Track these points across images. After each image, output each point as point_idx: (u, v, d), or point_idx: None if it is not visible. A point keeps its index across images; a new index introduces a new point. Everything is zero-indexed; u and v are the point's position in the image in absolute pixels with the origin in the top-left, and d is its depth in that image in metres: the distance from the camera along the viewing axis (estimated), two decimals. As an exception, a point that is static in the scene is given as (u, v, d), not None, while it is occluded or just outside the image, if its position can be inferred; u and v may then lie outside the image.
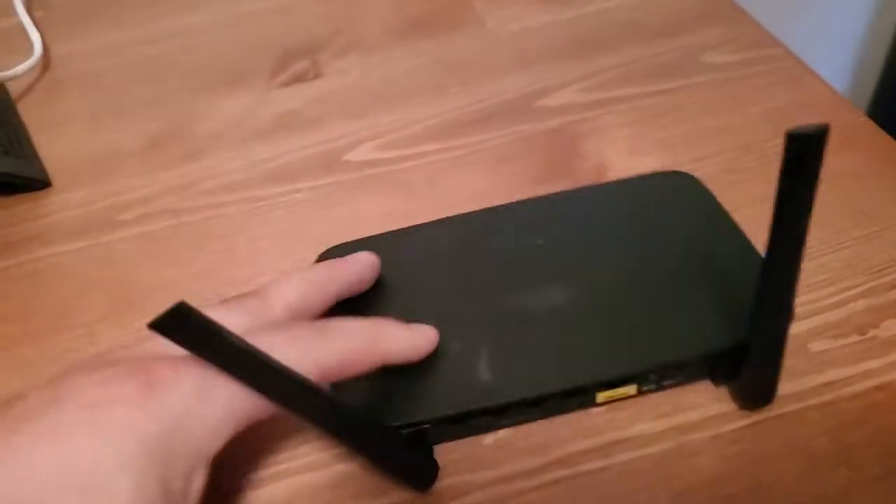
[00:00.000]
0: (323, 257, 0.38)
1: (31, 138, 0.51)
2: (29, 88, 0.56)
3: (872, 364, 0.34)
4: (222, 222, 0.44)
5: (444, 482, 0.32)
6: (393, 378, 0.32)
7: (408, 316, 0.32)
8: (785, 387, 0.33)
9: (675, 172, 0.41)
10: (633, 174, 0.41)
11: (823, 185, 0.41)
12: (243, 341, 0.25)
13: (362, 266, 0.35)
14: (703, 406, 0.33)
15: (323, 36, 0.59)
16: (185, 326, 0.24)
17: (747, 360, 0.31)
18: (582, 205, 0.39)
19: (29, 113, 0.53)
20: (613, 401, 0.33)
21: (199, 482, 0.25)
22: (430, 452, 0.32)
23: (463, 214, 0.40)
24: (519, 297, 0.35)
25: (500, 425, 0.33)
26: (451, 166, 0.46)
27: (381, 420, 0.31)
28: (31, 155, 0.49)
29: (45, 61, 0.59)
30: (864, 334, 0.35)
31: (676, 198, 0.39)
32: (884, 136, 0.44)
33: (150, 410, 0.24)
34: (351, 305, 0.35)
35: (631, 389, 0.33)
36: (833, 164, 0.42)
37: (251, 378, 0.25)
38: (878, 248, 0.38)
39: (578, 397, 0.33)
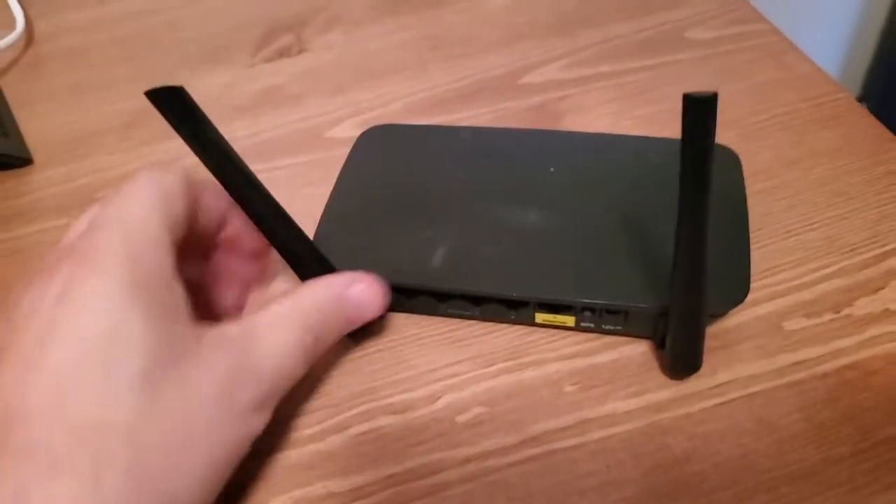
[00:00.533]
0: (366, 135, 0.42)
1: (13, 115, 0.51)
2: (11, 64, 0.56)
3: (845, 342, 0.34)
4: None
5: (419, 460, 0.32)
6: (362, 239, 0.37)
7: (408, 195, 0.38)
8: (757, 365, 0.34)
9: (720, 147, 0.41)
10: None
11: (802, 163, 0.42)
12: (220, 136, 0.28)
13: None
14: (673, 385, 0.33)
15: (307, 11, 0.58)
16: (176, 104, 0.27)
17: (668, 327, 0.32)
18: (612, 150, 0.41)
19: (10, 89, 0.53)
20: (552, 326, 0.36)
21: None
22: None
23: (508, 129, 0.43)
24: (505, 210, 0.37)
25: (443, 312, 0.37)
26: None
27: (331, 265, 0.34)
28: (13, 132, 0.48)
29: (28, 36, 0.59)
30: (837, 313, 0.35)
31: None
32: (864, 114, 0.44)
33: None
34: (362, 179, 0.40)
35: (569, 320, 0.35)
36: (812, 141, 0.43)
37: (218, 169, 0.29)
38: (852, 227, 0.39)
39: (517, 310, 0.35)
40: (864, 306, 0.35)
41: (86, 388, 0.23)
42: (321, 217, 0.38)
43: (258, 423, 0.27)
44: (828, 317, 0.35)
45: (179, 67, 0.53)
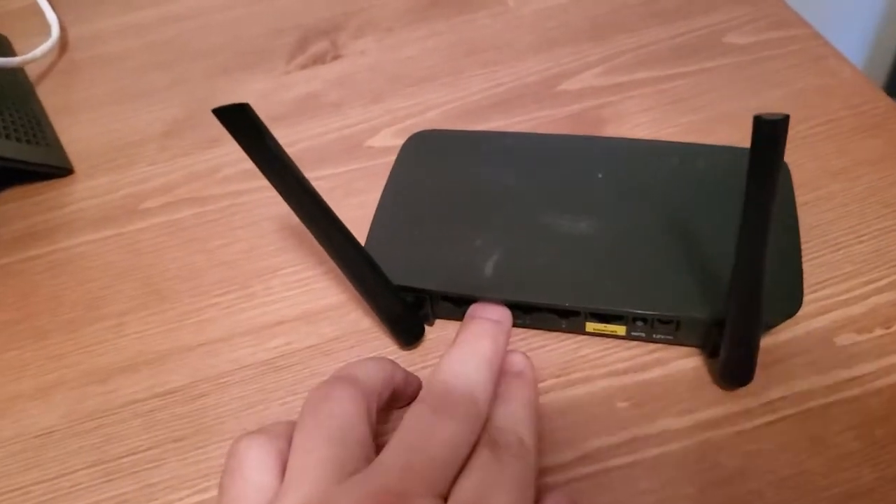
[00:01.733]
0: (411, 141, 0.43)
1: (51, 124, 0.51)
2: (47, 71, 0.56)
3: (897, 358, 0.34)
4: (247, 210, 0.44)
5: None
6: (413, 248, 0.37)
7: (456, 203, 0.39)
8: (809, 381, 0.34)
9: None
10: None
11: (847, 174, 0.41)
12: (284, 153, 0.28)
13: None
14: (725, 402, 0.33)
15: (339, 16, 0.58)
16: (241, 121, 0.27)
17: (723, 337, 0.32)
18: (660, 156, 0.40)
19: (47, 97, 0.53)
20: (602, 335, 0.36)
21: None
22: (423, 319, 0.37)
23: (553, 135, 0.45)
24: (554, 217, 0.37)
25: None
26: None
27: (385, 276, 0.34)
28: (52, 142, 0.49)
29: (63, 43, 0.59)
30: (888, 328, 0.35)
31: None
32: (909, 122, 0.44)
33: None
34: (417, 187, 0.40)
35: (620, 329, 0.35)
36: (856, 150, 0.43)
37: (282, 187, 0.29)
38: (901, 240, 0.38)
39: (568, 319, 0.36)
40: (915, 320, 0.35)
41: None
42: (371, 226, 0.38)
43: None
44: (878, 332, 0.35)
45: (214, 75, 0.53)
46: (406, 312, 0.36)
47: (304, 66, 0.54)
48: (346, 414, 0.27)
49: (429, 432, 0.27)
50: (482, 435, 0.28)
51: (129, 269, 0.42)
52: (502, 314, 0.35)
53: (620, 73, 0.49)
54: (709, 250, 0.35)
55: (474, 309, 0.35)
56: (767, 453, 0.32)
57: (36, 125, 0.48)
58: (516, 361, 0.33)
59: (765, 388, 0.34)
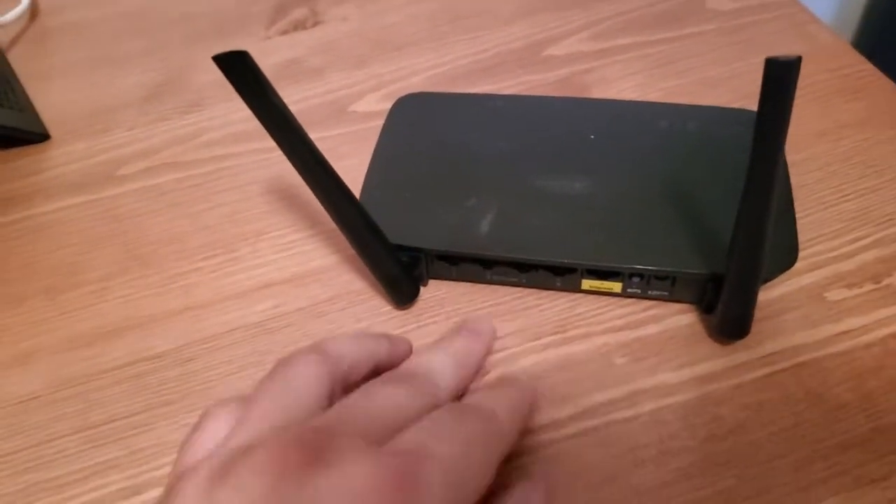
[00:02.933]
0: (400, 104, 0.42)
1: (24, 90, 0.49)
2: (17, 38, 0.55)
3: (887, 312, 0.35)
4: (231, 174, 0.43)
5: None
6: (407, 209, 0.37)
7: (448, 164, 0.38)
8: (803, 335, 0.34)
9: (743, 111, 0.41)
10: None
11: (831, 136, 0.42)
12: (283, 103, 0.28)
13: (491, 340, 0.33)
14: (723, 356, 0.34)
15: None
16: (241, 70, 0.26)
17: (722, 290, 0.32)
18: (651, 117, 0.40)
19: (19, 63, 0.52)
20: (598, 293, 0.36)
21: None
22: (418, 279, 0.37)
23: (543, 97, 0.44)
24: (549, 178, 0.37)
25: (489, 279, 0.37)
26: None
27: (383, 234, 0.34)
28: (25, 106, 0.47)
29: (34, 9, 0.57)
30: (878, 283, 0.36)
31: (737, 134, 0.39)
32: (888, 85, 0.44)
33: None
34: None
35: (615, 286, 0.35)
36: (839, 114, 0.43)
37: (281, 137, 0.29)
38: (885, 199, 0.39)
39: (563, 277, 0.36)
40: (903, 276, 0.36)
41: None
42: (362, 189, 0.38)
43: None
44: (868, 287, 0.35)
45: (192, 41, 0.52)
46: (402, 272, 0.35)
47: (284, 32, 0.53)
48: (302, 382, 0.26)
49: (371, 393, 0.26)
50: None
51: (108, 235, 0.41)
52: (485, 327, 0.32)
53: (605, 38, 0.49)
54: (703, 207, 0.35)
55: (461, 323, 0.33)
56: (765, 405, 0.32)
57: (9, 89, 0.47)
58: (519, 386, 0.30)
59: (759, 343, 0.34)
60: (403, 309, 0.37)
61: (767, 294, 0.35)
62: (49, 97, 0.49)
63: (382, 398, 0.26)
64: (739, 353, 0.34)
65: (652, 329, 0.35)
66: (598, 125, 0.40)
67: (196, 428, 0.26)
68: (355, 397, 0.26)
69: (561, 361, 0.34)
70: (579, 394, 0.33)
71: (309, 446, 0.22)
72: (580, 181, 0.37)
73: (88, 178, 0.44)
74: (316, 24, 0.53)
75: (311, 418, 0.24)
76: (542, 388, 0.33)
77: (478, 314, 0.36)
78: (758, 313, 0.34)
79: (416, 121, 0.41)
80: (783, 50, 0.47)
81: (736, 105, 0.43)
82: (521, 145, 0.39)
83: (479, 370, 0.31)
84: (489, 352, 0.33)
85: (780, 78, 0.24)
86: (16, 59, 0.52)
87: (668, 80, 0.46)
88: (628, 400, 0.33)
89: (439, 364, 0.29)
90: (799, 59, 0.23)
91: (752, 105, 0.43)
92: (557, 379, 0.33)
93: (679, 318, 0.35)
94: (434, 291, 0.37)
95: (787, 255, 0.34)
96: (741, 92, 0.44)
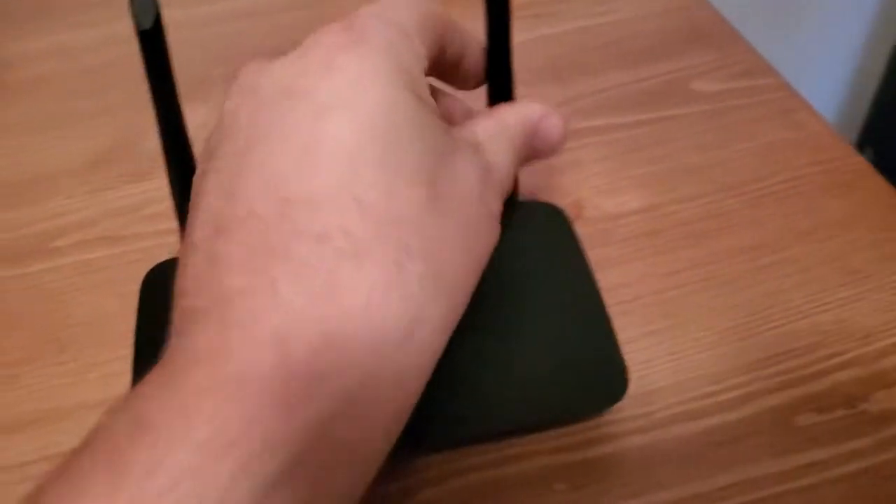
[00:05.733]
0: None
1: (-35, 149, 0.47)
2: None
3: (859, 443, 0.31)
4: (171, 252, 0.40)
5: None
6: None
7: None
8: (763, 465, 0.31)
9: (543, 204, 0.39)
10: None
11: (814, 235, 0.39)
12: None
13: None
14: (672, 486, 0.30)
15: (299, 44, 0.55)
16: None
17: None
18: None
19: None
20: None
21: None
22: None
23: None
24: None
25: None
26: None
27: None
28: (-38, 169, 0.45)
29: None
30: (852, 408, 0.32)
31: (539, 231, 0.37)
32: (880, 182, 0.41)
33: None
34: None
35: None
36: (825, 210, 0.40)
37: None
38: (867, 310, 0.36)
39: None
40: (880, 401, 0.32)
41: (373, 174, 0.21)
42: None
43: (498, 232, 0.25)
44: (840, 412, 0.32)
45: (149, 104, 0.50)
46: None
47: (245, 98, 0.50)
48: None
49: None
50: None
51: (29, 314, 0.38)
52: None
53: (578, 118, 0.46)
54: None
55: None
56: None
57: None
58: None
59: (713, 473, 0.31)
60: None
61: (726, 416, 0.32)
62: (-9, 159, 0.47)
63: None
64: (693, 482, 0.30)
65: (600, 450, 0.31)
66: None
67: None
68: None
69: (489, 488, 0.31)
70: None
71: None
72: None
73: (18, 249, 0.41)
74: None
75: None
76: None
77: None
78: (715, 436, 0.31)
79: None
80: (767, 137, 0.44)
81: (709, 198, 0.41)
82: None
83: None
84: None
85: None
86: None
87: (641, 167, 0.43)
88: None
89: None
90: None
91: (727, 198, 0.41)
92: (486, 508, 0.30)
93: (632, 440, 0.32)
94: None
95: (613, 387, 0.31)
96: (716, 183, 0.41)
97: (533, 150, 0.28)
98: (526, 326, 0.32)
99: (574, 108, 0.47)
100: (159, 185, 0.44)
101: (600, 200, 0.41)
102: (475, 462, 0.31)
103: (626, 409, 0.32)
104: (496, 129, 0.26)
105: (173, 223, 0.42)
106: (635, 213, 0.40)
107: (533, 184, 0.42)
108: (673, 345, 0.35)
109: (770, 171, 0.42)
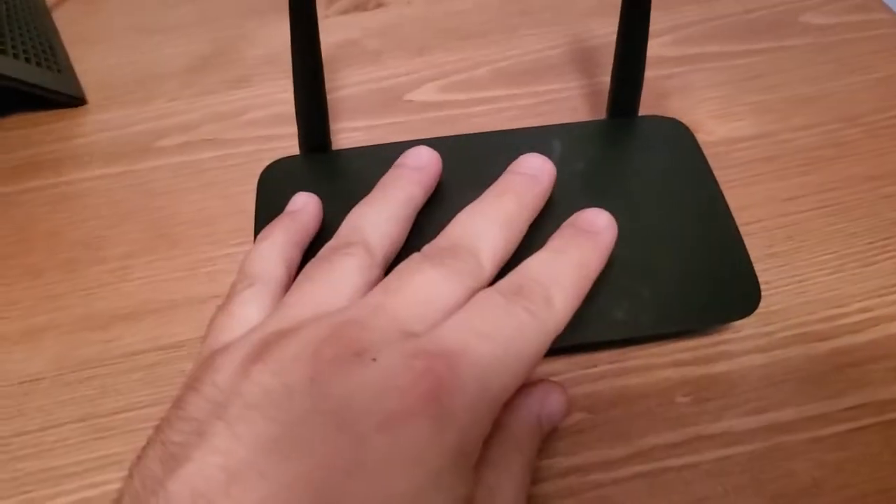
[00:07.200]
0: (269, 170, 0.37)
1: (66, 50, 0.47)
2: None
3: None
4: (272, 157, 0.40)
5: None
6: None
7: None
8: (892, 389, 0.30)
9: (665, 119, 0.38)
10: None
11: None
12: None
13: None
14: (798, 405, 0.30)
15: None
16: None
17: None
18: (578, 137, 0.37)
19: (63, 24, 0.49)
20: None
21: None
22: None
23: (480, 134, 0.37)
24: None
25: None
26: (519, 116, 0.42)
27: None
28: (66, 68, 0.45)
29: (85, -31, 0.54)
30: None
31: (664, 145, 0.36)
32: None
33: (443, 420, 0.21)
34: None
35: None
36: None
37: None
38: None
39: None
40: None
41: None
42: None
43: None
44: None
45: (247, 15, 0.49)
46: None
47: (343, 12, 0.50)
48: (340, 274, 0.26)
49: (408, 278, 0.25)
50: (501, 281, 0.25)
51: (138, 210, 0.38)
52: (537, 165, 0.30)
53: (689, 44, 0.45)
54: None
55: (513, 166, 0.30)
56: (846, 465, 0.28)
57: (49, 49, 0.44)
58: (596, 220, 0.28)
59: (842, 394, 0.30)
60: None
61: (853, 338, 0.31)
62: (89, 60, 0.46)
63: (420, 283, 0.24)
64: (819, 402, 0.30)
65: (721, 367, 0.31)
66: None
67: (223, 310, 0.27)
68: (393, 281, 0.25)
69: (616, 395, 0.30)
70: (634, 433, 0.29)
71: (343, 340, 0.22)
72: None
73: (123, 148, 0.41)
74: (378, 6, 0.50)
75: (348, 308, 0.24)
76: (595, 422, 0.29)
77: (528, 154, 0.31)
78: (841, 359, 0.31)
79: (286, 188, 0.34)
80: (882, 72, 0.43)
81: (826, 127, 0.39)
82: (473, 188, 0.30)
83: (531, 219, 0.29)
84: (547, 193, 0.30)
85: None
86: (61, 19, 0.50)
87: (755, 95, 0.42)
88: (689, 445, 0.29)
89: (484, 232, 0.27)
90: None
91: (845, 129, 0.39)
92: (611, 414, 0.30)
93: (752, 358, 0.31)
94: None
95: (743, 302, 0.30)
96: (832, 113, 0.40)
97: (543, 436, 0.27)
98: (661, 236, 0.32)
99: (682, 35, 0.46)
100: (259, 91, 0.44)
101: (714, 125, 0.40)
102: (604, 370, 0.31)
103: (745, 327, 0.32)
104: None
105: (273, 129, 0.42)
106: (750, 138, 0.39)
107: (640, 109, 0.41)
108: (795, 268, 0.34)
109: (889, 104, 0.41)
